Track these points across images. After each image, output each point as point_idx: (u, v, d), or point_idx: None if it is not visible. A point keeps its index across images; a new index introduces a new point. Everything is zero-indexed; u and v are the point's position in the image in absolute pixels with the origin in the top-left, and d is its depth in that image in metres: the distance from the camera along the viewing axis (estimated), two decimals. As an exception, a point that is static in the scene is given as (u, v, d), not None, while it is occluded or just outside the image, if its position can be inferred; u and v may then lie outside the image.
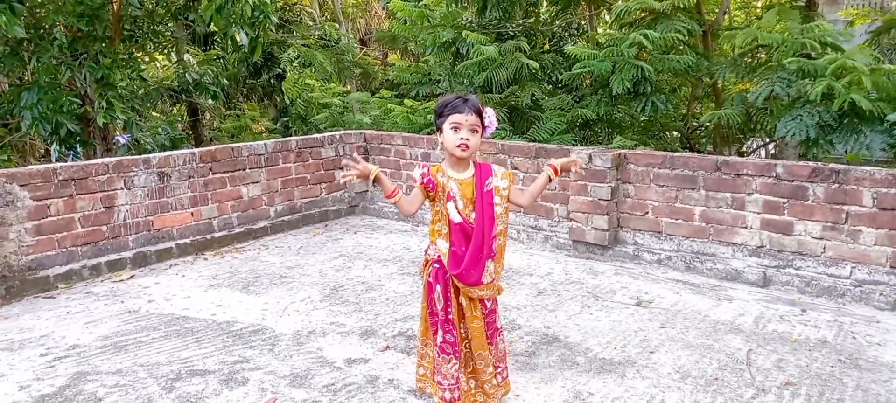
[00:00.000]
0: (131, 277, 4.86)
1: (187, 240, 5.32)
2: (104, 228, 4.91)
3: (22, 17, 5.57)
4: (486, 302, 2.75)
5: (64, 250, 4.71)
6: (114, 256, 4.92)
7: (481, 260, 2.63)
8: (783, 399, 2.97)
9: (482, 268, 2.64)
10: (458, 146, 2.55)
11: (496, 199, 2.65)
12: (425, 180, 2.60)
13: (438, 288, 2.66)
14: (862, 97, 4.91)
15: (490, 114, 2.63)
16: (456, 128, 2.54)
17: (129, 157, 5.08)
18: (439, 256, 2.66)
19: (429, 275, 2.69)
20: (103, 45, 7.26)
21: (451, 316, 2.67)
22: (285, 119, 11.56)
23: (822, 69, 5.27)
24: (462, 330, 2.76)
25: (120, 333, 3.87)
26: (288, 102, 11.53)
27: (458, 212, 2.62)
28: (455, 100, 2.58)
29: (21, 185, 4.48)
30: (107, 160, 4.90)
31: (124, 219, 5.00)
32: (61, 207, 4.68)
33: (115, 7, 7.36)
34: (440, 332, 2.67)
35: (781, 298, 4.17)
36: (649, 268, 4.78)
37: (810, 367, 3.27)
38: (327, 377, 3.28)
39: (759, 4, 10.40)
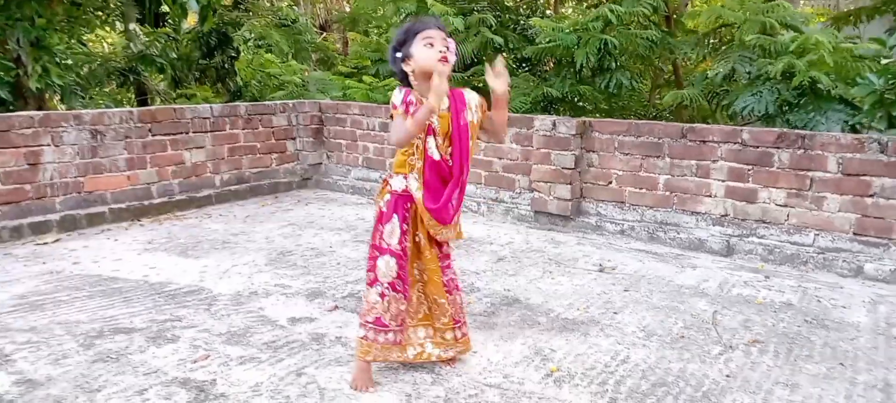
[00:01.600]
0: (57, 240, 4.46)
1: (122, 205, 4.93)
2: (28, 187, 4.49)
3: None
4: (444, 245, 2.54)
5: (-20, 208, 4.29)
6: (38, 218, 4.50)
7: (459, 202, 2.43)
8: (751, 355, 2.84)
9: (458, 207, 2.43)
10: (440, 59, 2.23)
11: (470, 133, 2.43)
12: (411, 109, 2.27)
13: (395, 218, 2.38)
14: (822, 75, 4.89)
15: (452, 42, 2.39)
16: (430, 44, 2.25)
17: (59, 112, 4.68)
18: (406, 189, 2.41)
19: (384, 204, 2.41)
20: (39, 5, 6.76)
21: (406, 251, 2.42)
22: (240, 101, 11.10)
23: (784, 47, 5.26)
24: (415, 273, 2.53)
25: (38, 292, 3.50)
26: (241, 84, 11.08)
27: (437, 149, 2.36)
28: (417, 21, 2.32)
29: (-69, 133, 4.04)
30: (32, 113, 4.50)
31: (51, 179, 4.59)
32: (-22, 161, 4.26)
33: (53, -36, 6.88)
34: (394, 267, 2.40)
35: (745, 266, 4.07)
36: (612, 239, 4.64)
37: (777, 327, 3.15)
38: (268, 335, 3.00)
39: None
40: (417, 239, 2.46)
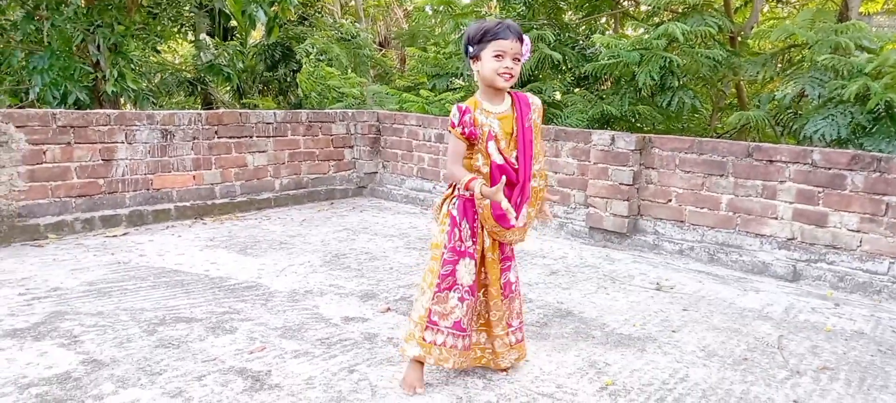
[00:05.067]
0: (125, 234, 4.66)
1: (187, 204, 5.12)
2: (101, 182, 4.72)
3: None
4: (506, 247, 2.52)
5: (57, 199, 4.52)
6: (109, 212, 4.72)
7: (522, 204, 2.39)
8: (820, 382, 2.69)
9: (520, 209, 2.40)
10: (501, 74, 2.28)
11: (535, 134, 2.44)
12: (467, 131, 2.32)
13: (465, 222, 2.39)
14: (900, 98, 4.65)
15: (527, 43, 2.39)
16: (499, 57, 2.27)
17: (133, 111, 4.91)
18: (472, 195, 2.39)
19: (454, 207, 2.40)
20: (119, 12, 7.15)
21: (477, 253, 2.42)
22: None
23: (858, 68, 5.03)
24: (481, 276, 2.51)
25: (106, 280, 3.65)
26: (302, 96, 11.41)
27: (500, 153, 2.36)
28: (497, 25, 2.30)
29: (17, 127, 4.31)
30: (109, 111, 4.73)
31: (123, 175, 4.81)
32: (58, 154, 4.50)
33: (134, -24, 7.27)
34: (473, 270, 2.40)
35: (812, 292, 3.88)
36: (669, 259, 4.51)
37: (848, 355, 2.98)
38: (322, 332, 3.04)
39: (787, 18, 10.19)
40: (484, 243, 2.46)
